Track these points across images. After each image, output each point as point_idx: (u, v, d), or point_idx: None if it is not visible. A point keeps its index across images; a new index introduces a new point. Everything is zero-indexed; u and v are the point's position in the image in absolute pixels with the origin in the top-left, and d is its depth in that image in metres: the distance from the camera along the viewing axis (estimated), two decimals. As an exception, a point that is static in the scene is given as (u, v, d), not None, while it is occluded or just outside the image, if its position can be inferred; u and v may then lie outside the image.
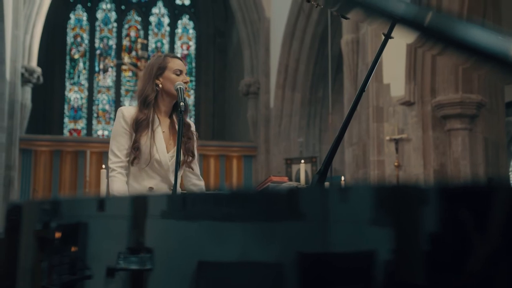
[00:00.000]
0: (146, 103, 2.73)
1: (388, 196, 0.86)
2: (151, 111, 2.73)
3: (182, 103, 2.63)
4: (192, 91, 17.45)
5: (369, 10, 1.21)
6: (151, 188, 2.67)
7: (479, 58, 1.12)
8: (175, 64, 2.78)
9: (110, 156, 2.70)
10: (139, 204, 1.15)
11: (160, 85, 2.75)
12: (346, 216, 0.89)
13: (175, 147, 2.68)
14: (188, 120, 2.87)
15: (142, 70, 14.95)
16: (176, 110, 2.75)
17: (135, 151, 2.67)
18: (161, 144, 2.71)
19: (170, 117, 2.81)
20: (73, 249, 1.15)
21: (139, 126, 2.69)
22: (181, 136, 2.59)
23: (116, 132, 2.70)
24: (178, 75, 2.76)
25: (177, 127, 2.70)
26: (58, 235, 1.16)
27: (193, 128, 2.86)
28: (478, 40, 1.09)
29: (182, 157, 2.71)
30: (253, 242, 0.98)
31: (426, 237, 0.83)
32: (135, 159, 2.68)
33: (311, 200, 0.93)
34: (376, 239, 0.84)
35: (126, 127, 2.70)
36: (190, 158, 2.78)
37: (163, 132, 2.75)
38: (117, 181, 2.66)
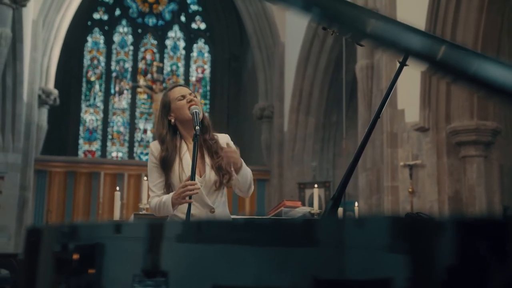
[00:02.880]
0: (163, 141, 2.82)
1: (405, 227, 0.86)
2: (172, 145, 2.81)
3: (197, 127, 2.67)
4: (206, 114, 17.53)
5: (381, 42, 1.23)
6: (192, 215, 2.70)
7: (488, 91, 1.13)
8: (176, 93, 2.86)
9: (149, 192, 2.84)
10: (155, 227, 1.17)
11: (173, 120, 2.83)
12: (363, 244, 0.89)
13: (207, 170, 2.74)
14: (220, 134, 2.91)
15: (158, 92, 15.12)
16: (203, 132, 2.78)
17: (168, 188, 2.77)
18: (189, 169, 2.73)
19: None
20: (90, 271, 1.16)
21: (166, 163, 2.78)
22: (195, 160, 2.61)
23: (149, 169, 2.83)
24: (181, 100, 2.82)
25: (205, 150, 2.79)
26: (75, 257, 1.17)
27: (225, 141, 2.85)
28: (488, 74, 1.10)
29: (215, 178, 2.75)
30: (268, 267, 0.99)
31: (442, 267, 0.83)
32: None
33: (328, 227, 0.94)
34: (392, 268, 0.85)
35: (155, 161, 2.80)
36: (226, 177, 2.78)
37: None
38: (152, 200, 2.78)
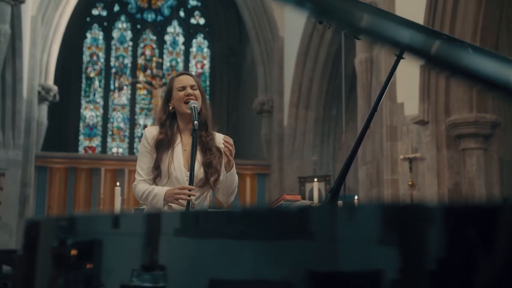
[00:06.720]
0: (162, 125, 2.84)
1: (395, 215, 0.87)
2: (170, 131, 2.80)
3: (195, 122, 2.67)
4: (205, 111, 17.52)
5: (376, 37, 1.24)
6: (169, 206, 2.69)
7: (484, 86, 1.14)
8: (179, 82, 2.85)
9: (136, 175, 2.82)
10: (152, 221, 1.17)
11: (171, 107, 2.84)
12: (355, 235, 0.90)
13: (196, 166, 2.69)
14: (216, 133, 2.89)
15: (157, 88, 15.12)
16: (199, 126, 2.75)
17: (155, 170, 2.75)
18: (179, 161, 2.74)
19: None
20: (88, 265, 1.17)
21: (160, 145, 2.78)
22: (194, 154, 2.62)
23: (140, 152, 2.83)
24: (181, 91, 2.81)
25: (199, 145, 2.75)
26: (74, 252, 1.18)
27: (221, 140, 2.79)
28: (482, 69, 1.11)
29: (203, 175, 2.74)
30: (264, 261, 1.00)
31: (433, 257, 0.84)
32: (157, 178, 2.76)
33: (320, 219, 0.95)
34: (383, 259, 0.85)
35: (148, 146, 2.80)
36: (214, 175, 2.77)
37: (185, 150, 2.79)
38: (139, 185, 2.76)
